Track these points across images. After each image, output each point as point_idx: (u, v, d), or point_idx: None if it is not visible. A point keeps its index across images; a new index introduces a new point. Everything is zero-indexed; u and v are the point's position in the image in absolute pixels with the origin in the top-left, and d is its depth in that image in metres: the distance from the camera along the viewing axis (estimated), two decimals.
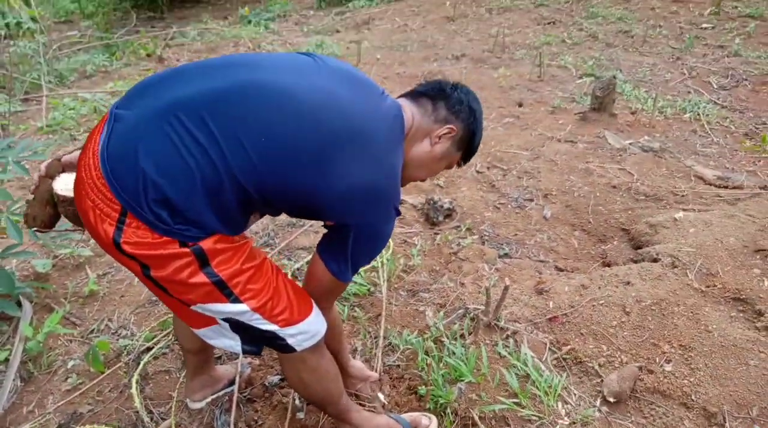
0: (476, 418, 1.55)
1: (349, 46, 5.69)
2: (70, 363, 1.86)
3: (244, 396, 1.69)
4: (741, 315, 1.80)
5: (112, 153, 0.99)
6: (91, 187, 1.00)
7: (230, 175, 0.98)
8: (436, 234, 2.53)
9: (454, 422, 1.56)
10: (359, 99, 1.10)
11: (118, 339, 1.95)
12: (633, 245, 2.35)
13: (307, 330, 1.21)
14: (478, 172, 3.07)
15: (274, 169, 1.00)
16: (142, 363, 1.81)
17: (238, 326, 1.16)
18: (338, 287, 1.25)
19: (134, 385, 1.71)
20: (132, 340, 1.93)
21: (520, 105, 4.02)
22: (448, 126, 1.22)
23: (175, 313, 1.26)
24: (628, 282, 1.93)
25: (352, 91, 1.10)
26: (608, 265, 2.23)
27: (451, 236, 2.47)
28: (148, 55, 5.74)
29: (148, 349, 1.89)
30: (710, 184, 2.75)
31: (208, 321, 1.17)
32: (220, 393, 1.70)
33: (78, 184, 1.05)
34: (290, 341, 1.19)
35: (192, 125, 0.97)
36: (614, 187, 2.76)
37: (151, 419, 1.63)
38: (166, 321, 2.00)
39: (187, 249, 1.01)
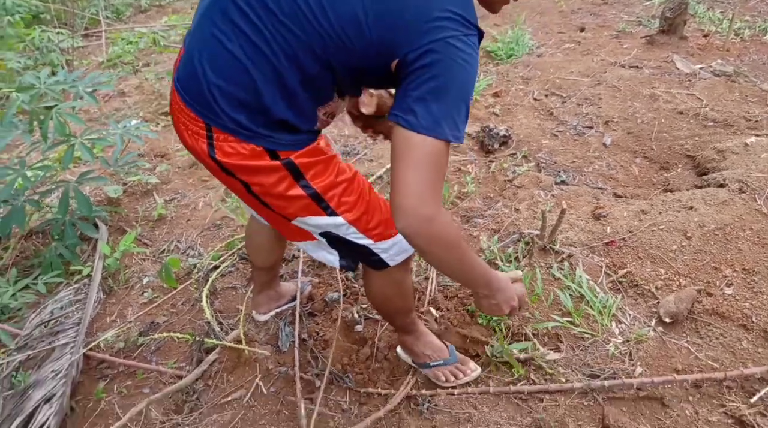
0: (529, 334, 1.59)
1: None
2: (145, 280, 2.01)
3: (306, 311, 1.79)
4: None
5: (181, 72, 1.03)
6: (178, 109, 1.05)
7: (275, 47, 0.93)
8: (491, 161, 2.50)
9: (506, 337, 1.60)
10: None
11: (187, 258, 2.08)
12: (698, 172, 2.25)
13: (401, 243, 1.21)
14: (535, 99, 2.98)
15: (310, 21, 0.92)
16: (210, 279, 1.93)
17: (336, 240, 1.19)
18: (431, 149, 0.91)
19: (204, 299, 1.83)
20: (200, 259, 2.06)
21: (582, 30, 3.81)
22: None
23: (279, 230, 1.29)
24: (691, 207, 1.87)
25: None
26: (671, 191, 2.15)
27: (506, 163, 2.44)
28: None
29: (215, 268, 2.01)
30: None
31: (307, 235, 1.21)
32: (284, 307, 1.80)
33: (171, 109, 1.10)
34: (384, 256, 1.21)
35: (231, 10, 0.95)
36: (681, 113, 2.62)
37: (221, 329, 1.76)
38: (231, 242, 2.11)
39: (278, 163, 1.03)
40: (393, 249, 1.22)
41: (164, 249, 2.15)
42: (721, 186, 1.99)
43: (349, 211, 1.13)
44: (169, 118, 3.20)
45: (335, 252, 1.24)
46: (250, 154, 1.01)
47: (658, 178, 2.34)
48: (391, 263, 1.23)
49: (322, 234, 1.19)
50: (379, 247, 1.20)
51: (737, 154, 2.16)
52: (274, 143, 1.01)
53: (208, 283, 1.92)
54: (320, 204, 1.10)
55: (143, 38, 4.37)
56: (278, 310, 1.80)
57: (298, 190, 1.07)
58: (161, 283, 1.96)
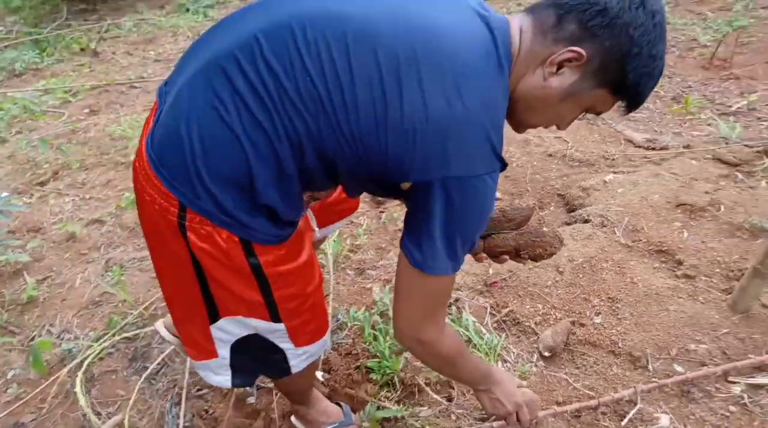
0: (422, 384, 1.61)
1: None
2: (11, 374, 1.82)
3: (195, 389, 1.70)
4: (663, 265, 1.91)
5: (158, 137, 0.88)
6: (144, 178, 0.90)
7: (281, 131, 0.83)
8: (381, 212, 2.56)
9: (400, 391, 1.61)
10: (434, 8, 0.86)
11: (61, 343, 1.92)
12: (568, 209, 2.45)
13: (313, 349, 1.14)
14: None
15: (327, 113, 0.81)
16: (86, 363, 1.78)
17: (247, 348, 1.09)
18: (431, 285, 0.92)
19: (78, 385, 1.69)
20: (75, 343, 1.90)
21: None
22: (570, 48, 0.84)
23: (181, 328, 1.12)
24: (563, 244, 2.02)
25: (430, 9, 0.86)
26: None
27: (396, 213, 2.52)
28: (82, 50, 5.51)
29: (94, 351, 1.87)
30: (639, 147, 2.88)
31: (210, 354, 1.10)
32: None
33: (135, 175, 0.95)
34: (293, 362, 1.14)
35: (235, 77, 0.82)
36: (550, 155, 2.86)
37: (99, 419, 1.62)
38: (112, 320, 1.97)
39: (249, 269, 0.94)
40: (304, 356, 1.15)
41: (34, 336, 1.97)
42: (586, 221, 2.17)
43: (294, 318, 1.06)
44: (45, 188, 3.04)
45: (228, 374, 1.14)
46: (226, 243, 0.91)
47: (534, 217, 2.51)
48: (295, 370, 1.16)
49: (237, 343, 1.08)
50: (295, 353, 1.13)
51: (598, 190, 2.38)
52: (250, 234, 0.91)
53: (84, 366, 1.77)
54: (271, 311, 1.02)
55: (18, 103, 4.12)
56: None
57: (257, 297, 0.99)
58: (29, 376, 1.78)
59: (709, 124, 3.17)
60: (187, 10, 6.52)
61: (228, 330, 1.06)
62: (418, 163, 0.82)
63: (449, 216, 0.84)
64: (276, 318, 1.04)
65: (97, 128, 3.67)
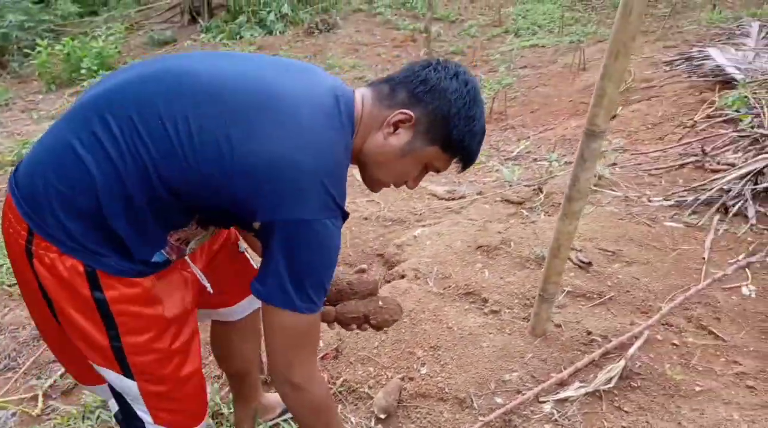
0: None
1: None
2: None
3: None
4: (472, 305, 2.11)
5: (21, 168, 0.96)
6: (7, 205, 0.96)
7: (129, 166, 0.89)
8: None
9: None
10: (288, 77, 0.99)
11: None
12: (387, 267, 2.59)
13: None
14: None
15: (171, 151, 0.89)
16: None
17: (116, 394, 1.08)
18: (287, 322, 0.96)
19: None
20: None
21: None
22: (400, 111, 1.00)
23: (62, 360, 1.17)
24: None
25: (283, 72, 1.00)
26: None
27: None
28: None
29: None
30: (442, 199, 3.20)
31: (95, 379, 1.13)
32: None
33: (4, 206, 0.98)
34: None
35: (93, 121, 0.91)
36: (366, 218, 3.03)
37: None
38: None
39: (92, 300, 0.94)
40: None
41: None
42: (402, 276, 2.32)
43: (149, 381, 1.03)
44: None
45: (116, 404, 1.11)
46: (69, 273, 0.92)
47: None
48: None
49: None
50: None
51: (410, 245, 2.57)
52: (97, 260, 0.92)
53: None
54: (118, 357, 1.00)
55: None
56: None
57: (102, 339, 0.97)
58: None
59: (496, 170, 3.64)
60: None
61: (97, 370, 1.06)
62: (262, 204, 0.90)
63: (292, 255, 0.92)
64: (126, 371, 1.01)
65: None
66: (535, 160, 3.83)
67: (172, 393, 1.07)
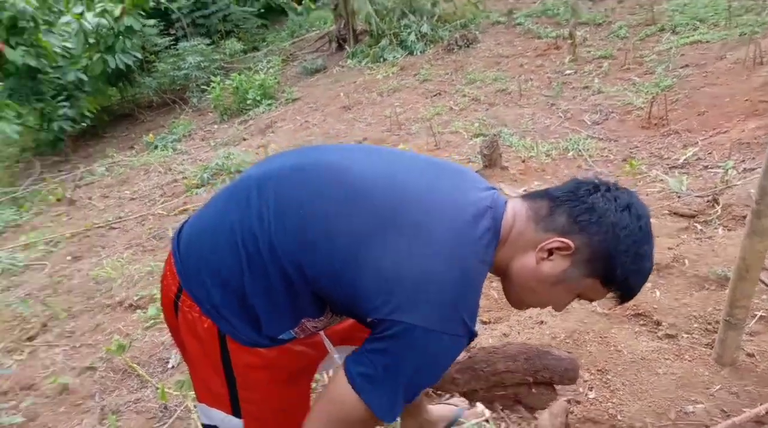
0: None
1: (257, 151, 5.90)
2: None
3: None
4: (643, 328, 1.98)
5: (186, 231, 1.08)
6: (168, 260, 1.07)
7: (270, 249, 0.94)
8: None
9: None
10: (438, 182, 0.99)
11: None
12: None
13: None
14: None
15: (309, 247, 0.93)
16: None
17: None
18: (352, 411, 0.92)
19: None
20: None
21: None
22: (558, 239, 0.93)
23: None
24: (542, 322, 2.09)
25: (436, 174, 1.01)
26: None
27: None
28: (58, 200, 5.67)
29: None
30: None
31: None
32: None
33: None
34: None
35: (244, 198, 1.00)
36: None
37: None
38: None
39: (220, 365, 1.03)
40: None
41: None
42: None
43: (257, 423, 1.10)
44: (35, 342, 3.02)
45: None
46: (205, 333, 1.01)
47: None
48: None
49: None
50: None
51: None
52: (229, 329, 1.00)
53: None
54: (233, 402, 1.08)
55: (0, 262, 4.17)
56: None
57: (222, 388, 1.06)
58: None
59: (660, 180, 3.37)
60: (156, 147, 6.82)
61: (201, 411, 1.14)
62: (381, 303, 0.89)
63: (397, 354, 0.89)
64: (236, 412, 1.09)
65: (80, 274, 3.72)
66: (705, 167, 3.49)
67: None
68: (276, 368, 1.08)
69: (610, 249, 0.92)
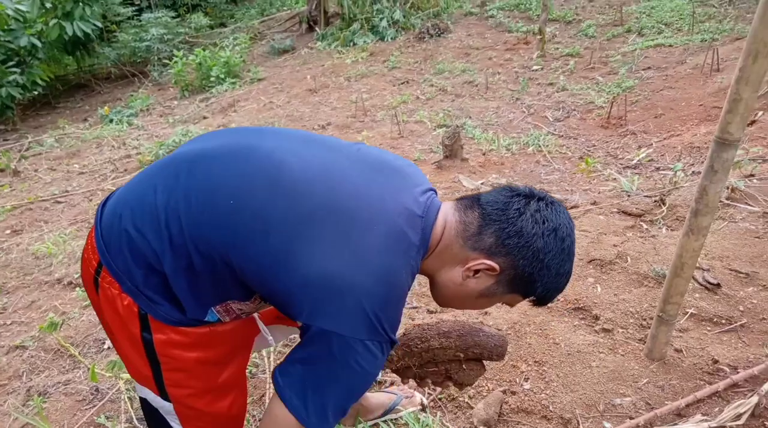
0: None
1: (216, 130, 5.75)
2: None
3: None
4: (582, 322, 2.01)
5: (110, 199, 1.05)
6: (89, 238, 1.04)
7: (194, 233, 0.92)
8: None
9: None
10: (374, 184, 0.97)
11: None
12: None
13: None
14: None
15: (238, 240, 0.91)
16: None
17: (149, 413, 1.14)
18: (279, 417, 0.93)
19: None
20: None
21: None
22: (485, 261, 0.95)
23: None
24: (486, 313, 2.09)
25: (372, 176, 0.99)
26: None
27: None
28: (1, 170, 5.41)
29: None
30: None
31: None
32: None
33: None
34: None
35: (173, 175, 0.97)
36: None
37: None
38: None
39: (141, 344, 1.00)
40: None
41: None
42: None
43: (186, 408, 1.09)
44: None
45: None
46: (125, 310, 0.98)
47: None
48: None
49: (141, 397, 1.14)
50: None
51: None
52: (151, 308, 0.97)
53: None
54: (159, 386, 1.06)
55: None
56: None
57: (146, 371, 1.04)
58: None
59: (613, 179, 3.43)
60: (111, 120, 6.58)
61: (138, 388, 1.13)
62: (304, 306, 0.89)
63: (322, 364, 0.90)
64: (164, 395, 1.08)
65: (19, 248, 3.55)
66: (657, 169, 3.56)
67: (205, 417, 1.12)
68: (204, 346, 1.05)
69: (534, 272, 0.96)
